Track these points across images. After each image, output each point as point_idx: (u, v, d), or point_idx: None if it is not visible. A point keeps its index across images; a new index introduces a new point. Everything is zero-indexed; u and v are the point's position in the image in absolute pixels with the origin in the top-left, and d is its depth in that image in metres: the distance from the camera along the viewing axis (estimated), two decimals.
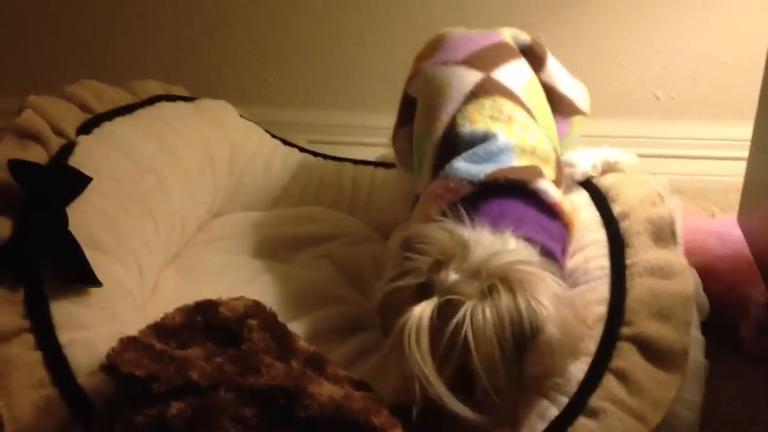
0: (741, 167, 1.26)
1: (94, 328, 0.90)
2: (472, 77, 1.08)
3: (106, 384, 0.80)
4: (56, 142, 1.07)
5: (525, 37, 1.19)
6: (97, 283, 0.94)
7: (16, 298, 0.89)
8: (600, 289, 0.97)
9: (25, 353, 0.85)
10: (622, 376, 0.85)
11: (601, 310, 0.94)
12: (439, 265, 0.83)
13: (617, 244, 1.02)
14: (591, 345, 0.90)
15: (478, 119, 1.03)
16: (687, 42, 1.63)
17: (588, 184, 1.16)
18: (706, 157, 1.68)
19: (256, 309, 0.86)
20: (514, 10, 1.63)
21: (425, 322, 0.78)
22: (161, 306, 0.90)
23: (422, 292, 0.82)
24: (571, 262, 1.04)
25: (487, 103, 1.05)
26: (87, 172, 1.04)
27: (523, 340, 0.79)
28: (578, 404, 0.84)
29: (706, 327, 0.97)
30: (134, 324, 0.87)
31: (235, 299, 0.88)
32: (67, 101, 1.15)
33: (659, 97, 1.68)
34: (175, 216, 1.20)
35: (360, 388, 0.82)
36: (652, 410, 0.82)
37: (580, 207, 1.11)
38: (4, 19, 1.73)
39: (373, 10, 1.66)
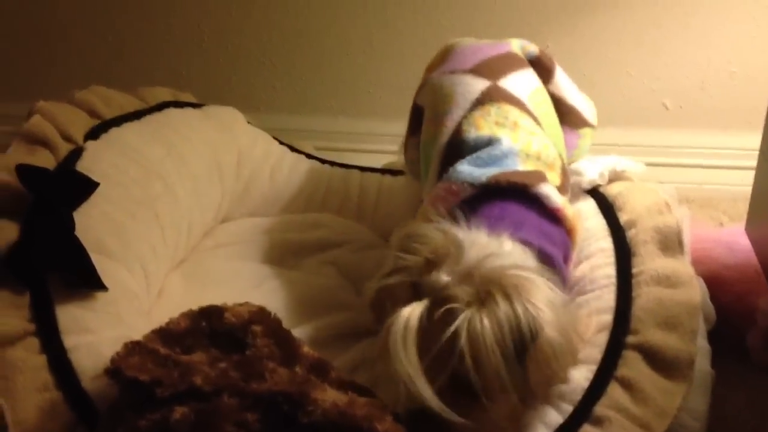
0: (749, 176, 1.26)
1: (100, 332, 0.90)
2: (478, 85, 1.08)
3: (111, 388, 0.80)
4: (64, 148, 1.07)
5: (533, 49, 1.19)
6: (102, 288, 0.94)
7: (21, 301, 0.89)
8: (606, 298, 0.96)
9: (30, 357, 0.85)
10: (627, 385, 0.85)
11: (607, 318, 0.93)
12: (431, 265, 0.83)
13: (624, 252, 1.02)
14: (596, 353, 0.90)
15: (484, 125, 1.03)
16: (695, 51, 1.63)
17: (595, 193, 1.16)
18: (715, 166, 1.67)
19: (260, 315, 0.86)
20: (523, 19, 1.63)
21: (413, 323, 0.78)
22: (167, 311, 0.91)
23: (415, 292, 0.82)
24: (577, 271, 1.04)
25: (493, 110, 1.05)
26: (94, 177, 1.05)
27: (523, 346, 0.79)
28: (583, 412, 0.84)
29: (714, 336, 0.96)
30: (140, 329, 0.87)
31: (240, 305, 0.88)
32: (75, 107, 1.15)
33: (668, 106, 1.68)
34: (182, 221, 1.20)
35: (364, 394, 0.82)
36: (657, 419, 0.82)
37: (587, 215, 1.11)
38: (15, 26, 1.74)
39: (381, 19, 1.67)
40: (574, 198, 1.15)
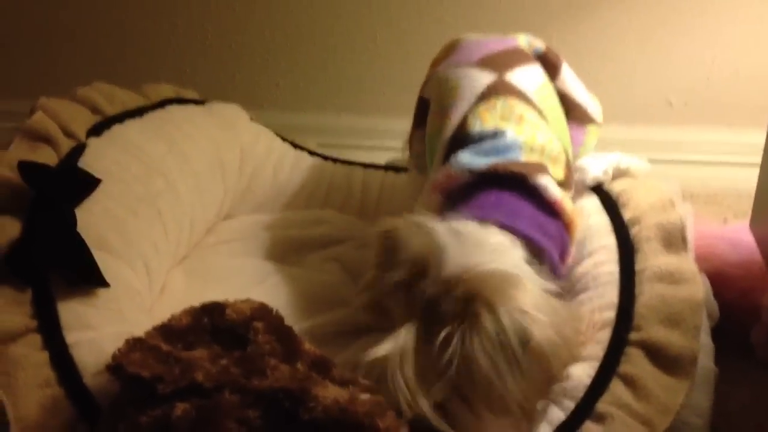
0: (754, 173, 1.25)
1: (101, 328, 0.90)
2: (484, 78, 1.08)
3: (112, 384, 0.80)
4: (66, 144, 1.07)
5: (539, 45, 1.19)
6: (104, 284, 0.94)
7: (23, 298, 0.89)
8: (609, 295, 0.96)
9: (32, 353, 0.85)
10: (629, 382, 0.85)
11: (610, 315, 0.93)
12: (416, 273, 0.84)
13: (627, 249, 1.01)
14: (599, 350, 0.89)
15: (489, 119, 1.03)
16: (701, 48, 1.63)
17: (599, 190, 1.15)
18: (719, 163, 1.67)
19: (262, 311, 0.86)
20: (527, 17, 1.63)
21: (409, 348, 0.81)
22: (169, 307, 0.90)
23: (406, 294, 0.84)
24: (580, 268, 1.03)
25: (499, 104, 1.04)
26: (96, 174, 1.05)
27: (515, 354, 0.80)
28: (585, 409, 0.83)
29: (718, 333, 0.96)
30: (141, 325, 0.87)
31: (242, 301, 0.87)
32: (78, 103, 1.15)
33: (672, 103, 1.68)
34: (184, 218, 1.20)
35: (366, 391, 0.82)
36: (660, 416, 0.81)
37: (590, 212, 1.11)
38: (18, 23, 1.74)
39: (385, 15, 1.66)
40: (577, 195, 1.15)
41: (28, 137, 1.05)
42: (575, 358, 0.89)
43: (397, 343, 0.81)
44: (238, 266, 1.21)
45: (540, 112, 1.07)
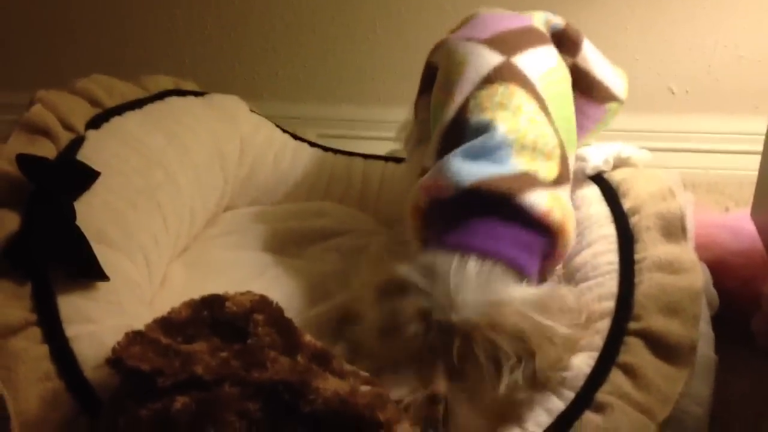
0: (756, 161, 1.25)
1: (101, 321, 0.90)
2: (492, 59, 1.07)
3: (112, 377, 0.80)
4: (65, 137, 1.07)
5: (558, 21, 1.17)
6: (104, 278, 0.94)
7: (23, 292, 0.89)
8: (608, 285, 0.96)
9: (32, 347, 0.85)
10: (629, 371, 0.85)
11: (609, 305, 0.93)
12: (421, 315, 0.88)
13: (626, 239, 1.01)
14: (598, 340, 0.90)
15: (488, 106, 1.03)
16: (702, 35, 1.62)
17: (599, 179, 1.15)
18: (721, 151, 1.66)
19: (262, 304, 0.86)
20: (528, 4, 1.62)
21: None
22: (169, 300, 0.90)
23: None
24: (579, 258, 1.04)
25: (500, 90, 1.04)
26: (95, 166, 1.04)
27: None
28: (585, 399, 0.84)
29: (718, 322, 0.96)
30: (141, 318, 0.87)
31: (242, 294, 0.87)
32: (76, 96, 1.15)
33: (674, 91, 1.67)
34: (184, 210, 1.20)
35: (366, 383, 0.82)
36: (660, 405, 0.81)
37: (590, 202, 1.11)
38: (16, 15, 1.74)
39: (385, 5, 1.66)
40: (578, 184, 1.15)
41: (26, 130, 1.05)
42: (573, 354, 0.89)
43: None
44: (238, 258, 1.21)
45: (541, 102, 1.06)
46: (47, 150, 1.03)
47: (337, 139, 1.51)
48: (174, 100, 1.29)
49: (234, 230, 1.29)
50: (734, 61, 1.63)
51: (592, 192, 1.13)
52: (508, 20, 1.14)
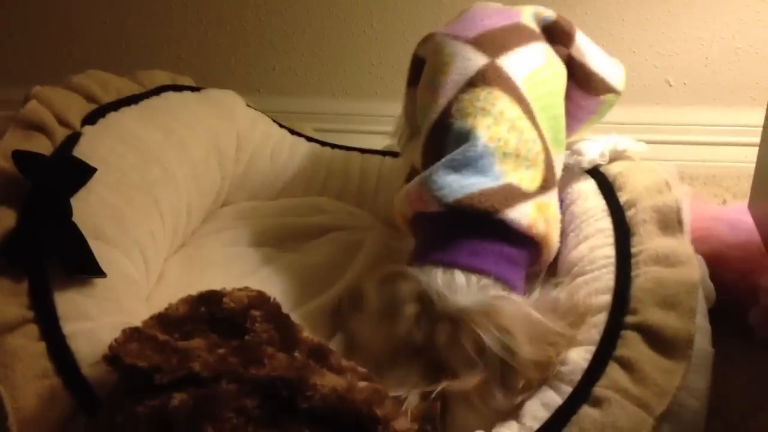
0: (754, 153, 1.25)
1: (99, 318, 0.90)
2: (476, 61, 1.06)
3: (110, 375, 0.80)
4: (61, 133, 1.06)
5: (549, 14, 1.15)
6: (101, 274, 0.94)
7: (20, 289, 0.89)
8: (605, 278, 0.96)
9: (29, 344, 0.85)
10: (626, 365, 0.85)
11: (606, 299, 0.93)
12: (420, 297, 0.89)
13: (623, 232, 1.01)
14: (595, 334, 0.89)
15: (470, 112, 1.02)
16: (699, 27, 1.62)
17: (596, 172, 1.15)
18: (719, 143, 1.66)
19: (259, 300, 0.86)
20: None
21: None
22: (167, 296, 0.90)
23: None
24: (576, 251, 1.04)
25: (483, 94, 1.03)
26: (92, 162, 1.04)
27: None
28: (582, 393, 0.83)
29: (716, 315, 0.96)
30: (139, 314, 0.87)
31: (239, 290, 0.87)
32: (72, 91, 1.14)
33: (671, 83, 1.67)
34: (181, 206, 1.20)
35: (363, 379, 0.82)
36: (657, 399, 0.81)
37: (586, 195, 1.11)
38: (11, 10, 1.73)
39: None
40: (574, 177, 1.15)
41: (22, 126, 1.04)
42: (569, 347, 0.89)
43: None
44: (236, 254, 1.21)
45: (525, 105, 1.05)
46: (43, 146, 1.03)
47: (335, 133, 1.51)
48: (170, 96, 1.29)
49: (231, 226, 1.29)
50: (732, 53, 1.62)
51: (589, 185, 1.13)
52: (496, 17, 1.13)
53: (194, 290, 0.87)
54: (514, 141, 1.01)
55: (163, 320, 0.84)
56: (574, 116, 1.15)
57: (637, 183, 1.07)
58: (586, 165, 1.15)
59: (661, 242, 0.97)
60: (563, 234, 1.07)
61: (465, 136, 1.01)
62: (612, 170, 1.13)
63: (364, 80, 1.72)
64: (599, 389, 0.83)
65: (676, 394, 0.82)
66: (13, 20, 1.75)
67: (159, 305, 0.86)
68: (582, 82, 1.15)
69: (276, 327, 0.84)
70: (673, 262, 0.93)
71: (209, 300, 0.86)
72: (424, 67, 1.14)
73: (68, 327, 0.87)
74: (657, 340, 0.86)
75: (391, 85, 1.69)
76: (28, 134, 1.04)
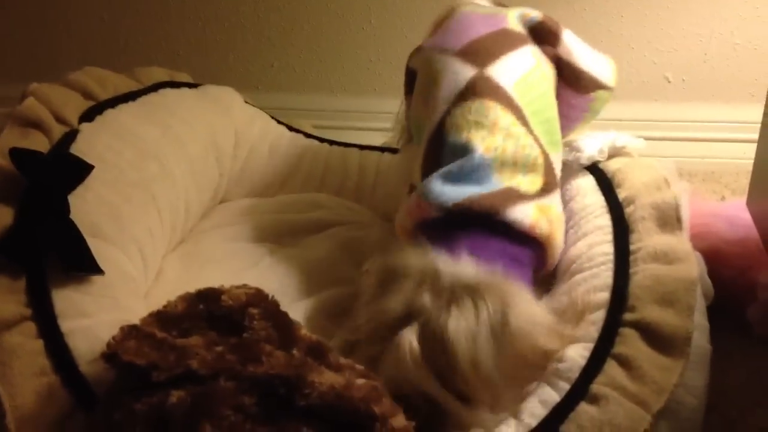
0: (752, 150, 1.25)
1: (96, 316, 0.90)
2: (465, 74, 1.06)
3: (108, 372, 0.80)
4: (58, 130, 1.06)
5: (535, 15, 1.15)
6: (99, 272, 0.94)
7: (17, 286, 0.88)
8: (603, 276, 0.96)
9: (27, 342, 0.85)
10: (624, 362, 0.85)
11: (604, 296, 0.93)
12: (418, 290, 0.87)
13: (622, 229, 1.01)
14: (593, 331, 0.89)
15: (463, 125, 1.02)
16: (698, 24, 1.62)
17: (594, 169, 1.15)
18: (717, 139, 1.66)
19: (258, 297, 0.86)
20: None
21: (415, 345, 0.83)
22: (164, 293, 0.90)
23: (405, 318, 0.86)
24: (575, 249, 1.03)
25: (474, 107, 1.03)
26: (89, 160, 1.04)
27: (492, 336, 0.84)
28: (580, 390, 0.83)
29: (715, 311, 0.96)
30: (137, 312, 0.87)
31: (238, 287, 0.87)
32: (69, 89, 1.14)
33: (670, 79, 1.67)
34: (179, 203, 1.20)
35: (362, 376, 0.82)
36: (654, 396, 0.81)
37: (585, 192, 1.11)
38: (9, 7, 1.73)
39: None
40: (573, 174, 1.15)
41: (19, 123, 1.04)
42: (565, 345, 0.89)
43: (405, 344, 0.84)
44: (234, 250, 1.21)
45: (518, 112, 1.04)
46: (40, 143, 1.03)
47: (333, 130, 1.51)
48: (168, 92, 1.29)
49: (229, 222, 1.29)
50: (730, 49, 1.62)
51: (587, 182, 1.13)
52: (481, 24, 1.12)
53: (193, 287, 0.87)
54: (511, 148, 1.01)
55: (161, 318, 0.84)
56: (567, 116, 1.14)
57: (635, 180, 1.07)
58: (585, 161, 1.15)
59: (659, 239, 0.97)
60: None
61: (461, 150, 1.01)
62: (611, 167, 1.13)
63: (362, 77, 1.72)
64: (597, 386, 0.83)
65: (673, 392, 0.83)
66: (10, 17, 1.74)
67: (157, 302, 0.86)
68: (571, 81, 1.15)
69: (274, 324, 0.84)
70: (671, 260, 0.93)
71: (207, 297, 0.85)
72: (416, 79, 1.14)
73: (66, 324, 0.87)
74: (655, 337, 0.86)
75: (390, 82, 1.68)
76: (26, 131, 1.03)
